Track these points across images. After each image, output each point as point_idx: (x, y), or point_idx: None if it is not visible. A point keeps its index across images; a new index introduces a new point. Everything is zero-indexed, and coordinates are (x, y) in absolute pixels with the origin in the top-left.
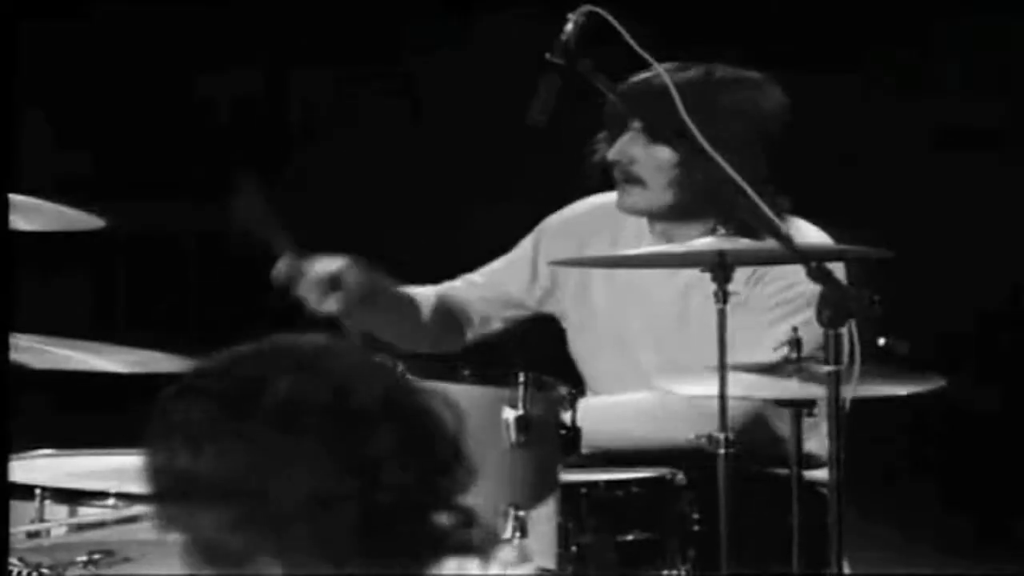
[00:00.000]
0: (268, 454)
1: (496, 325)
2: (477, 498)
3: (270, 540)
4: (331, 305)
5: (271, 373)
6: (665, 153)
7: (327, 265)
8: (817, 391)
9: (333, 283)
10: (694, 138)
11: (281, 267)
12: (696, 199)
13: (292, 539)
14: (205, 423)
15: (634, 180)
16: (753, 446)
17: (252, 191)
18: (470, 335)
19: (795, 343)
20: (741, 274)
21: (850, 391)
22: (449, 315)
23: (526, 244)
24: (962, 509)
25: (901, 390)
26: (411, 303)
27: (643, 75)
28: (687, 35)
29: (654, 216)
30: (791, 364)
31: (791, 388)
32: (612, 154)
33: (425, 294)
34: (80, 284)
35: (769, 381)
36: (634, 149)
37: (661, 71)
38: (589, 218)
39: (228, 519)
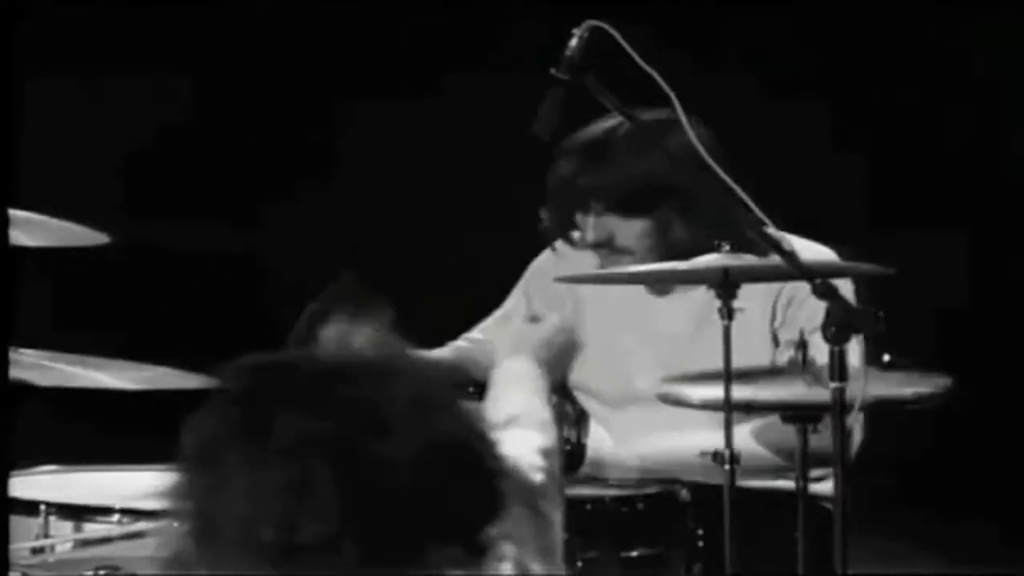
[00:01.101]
0: (211, 477)
1: None
2: None
3: (213, 556)
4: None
5: (221, 396)
6: (639, 222)
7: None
8: (824, 394)
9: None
10: (665, 199)
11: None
12: (673, 251)
13: (224, 556)
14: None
15: (620, 251)
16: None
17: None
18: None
19: (802, 346)
20: (768, 296)
21: (857, 405)
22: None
23: (517, 294)
24: (965, 517)
25: (906, 391)
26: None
27: (593, 136)
28: (685, 36)
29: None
30: (798, 367)
31: (798, 391)
32: (592, 238)
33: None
34: (84, 297)
35: (777, 385)
36: (610, 227)
37: (664, 86)
38: (572, 255)
39: (186, 533)
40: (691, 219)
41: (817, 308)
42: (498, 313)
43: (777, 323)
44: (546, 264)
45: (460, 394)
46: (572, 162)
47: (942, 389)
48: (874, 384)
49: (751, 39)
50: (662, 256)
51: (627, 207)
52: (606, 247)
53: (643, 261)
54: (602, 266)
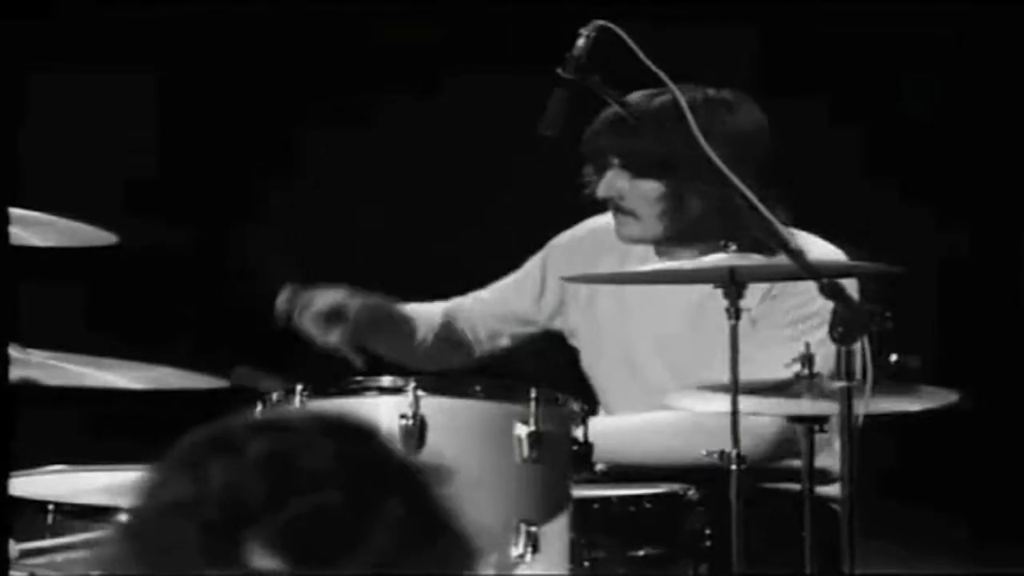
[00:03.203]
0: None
1: (504, 342)
2: (488, 514)
3: None
4: (333, 338)
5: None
6: (650, 185)
7: (327, 298)
8: (829, 408)
9: (335, 316)
10: (682, 166)
11: (282, 299)
12: (692, 225)
13: None
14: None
15: (626, 213)
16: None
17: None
18: (478, 351)
19: (807, 359)
20: (757, 289)
21: (862, 407)
22: (456, 332)
23: (535, 261)
24: (965, 517)
25: (914, 406)
26: (415, 323)
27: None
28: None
29: (654, 243)
30: (803, 381)
31: (803, 405)
32: (601, 191)
33: (431, 312)
34: (92, 297)
35: (781, 398)
36: (620, 183)
37: (671, 86)
38: (597, 237)
39: None
40: (707, 198)
41: (803, 300)
42: (511, 278)
43: (756, 312)
44: (568, 242)
45: (468, 391)
46: (603, 122)
47: (949, 403)
48: (882, 398)
49: (751, 38)
50: (674, 227)
51: (639, 168)
52: (615, 204)
53: (651, 228)
54: (615, 226)
